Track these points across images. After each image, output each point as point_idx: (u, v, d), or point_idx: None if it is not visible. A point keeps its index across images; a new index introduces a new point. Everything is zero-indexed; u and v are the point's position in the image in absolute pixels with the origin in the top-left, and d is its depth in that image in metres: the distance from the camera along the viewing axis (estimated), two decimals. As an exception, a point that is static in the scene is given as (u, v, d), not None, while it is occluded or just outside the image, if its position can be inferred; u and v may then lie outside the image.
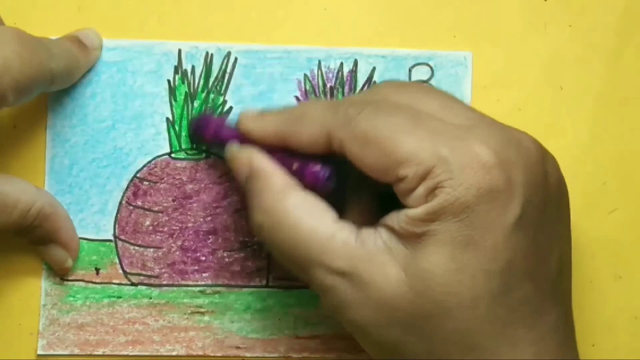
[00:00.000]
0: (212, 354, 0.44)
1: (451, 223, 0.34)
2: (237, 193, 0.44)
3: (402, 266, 0.34)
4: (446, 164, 0.34)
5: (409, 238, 0.35)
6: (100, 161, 0.44)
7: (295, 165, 0.38)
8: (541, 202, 0.35)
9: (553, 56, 0.45)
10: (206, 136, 0.42)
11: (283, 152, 0.38)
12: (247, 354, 0.44)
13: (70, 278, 0.44)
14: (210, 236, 0.44)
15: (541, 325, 0.35)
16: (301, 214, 0.37)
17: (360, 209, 0.39)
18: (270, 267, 0.44)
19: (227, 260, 0.44)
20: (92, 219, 0.44)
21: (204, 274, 0.44)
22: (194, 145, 0.44)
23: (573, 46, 0.45)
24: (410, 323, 0.34)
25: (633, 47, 0.46)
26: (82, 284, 0.44)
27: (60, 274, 0.43)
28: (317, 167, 0.38)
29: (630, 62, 0.46)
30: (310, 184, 0.38)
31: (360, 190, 0.39)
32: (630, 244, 0.45)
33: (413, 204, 0.35)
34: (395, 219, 0.35)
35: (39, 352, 0.43)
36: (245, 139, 0.40)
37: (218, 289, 0.44)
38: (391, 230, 0.35)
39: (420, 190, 0.34)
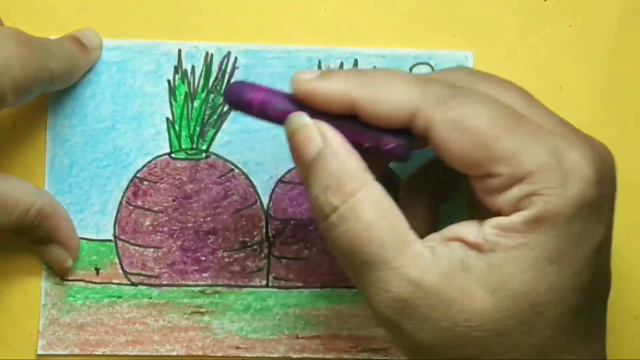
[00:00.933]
0: (212, 354, 0.44)
1: (548, 236, 0.32)
2: (237, 193, 0.44)
3: (485, 286, 0.32)
4: (549, 170, 0.32)
5: (495, 252, 0.33)
6: (100, 161, 0.44)
7: (367, 141, 0.35)
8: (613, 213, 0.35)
9: (553, 56, 0.45)
10: (253, 106, 0.36)
11: (348, 123, 0.35)
12: (247, 354, 0.44)
13: (70, 278, 0.44)
14: (210, 236, 0.44)
15: (599, 339, 0.35)
16: (381, 210, 0.33)
17: (418, 214, 0.38)
18: (270, 267, 0.44)
19: (227, 260, 0.44)
20: (92, 219, 0.44)
21: (204, 274, 0.44)
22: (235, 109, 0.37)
23: (573, 46, 0.45)
24: (489, 342, 0.33)
25: (633, 47, 0.46)
26: (82, 284, 0.44)
27: (60, 274, 0.43)
28: (394, 143, 0.35)
29: (630, 62, 0.46)
30: (385, 160, 0.35)
31: (419, 193, 0.38)
32: (630, 244, 0.45)
33: (501, 204, 0.33)
34: (474, 230, 0.33)
35: (39, 352, 0.43)
36: (301, 106, 0.35)
37: (218, 289, 0.44)
38: (467, 244, 0.33)
39: (515, 192, 0.33)
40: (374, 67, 0.44)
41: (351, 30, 0.45)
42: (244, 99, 0.36)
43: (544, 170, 0.32)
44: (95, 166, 0.44)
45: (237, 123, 0.44)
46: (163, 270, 0.44)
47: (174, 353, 0.44)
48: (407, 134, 0.35)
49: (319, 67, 0.44)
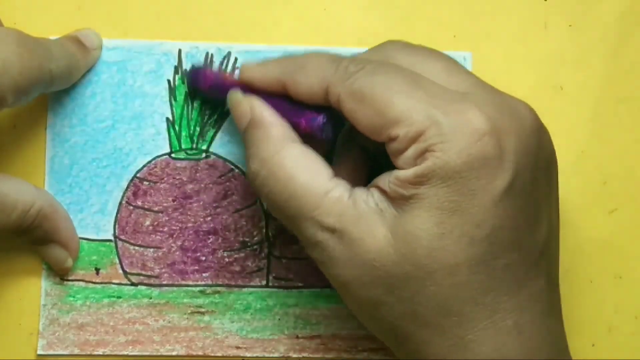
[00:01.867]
0: (212, 354, 0.44)
1: (439, 188, 0.34)
2: (237, 193, 0.44)
3: (390, 227, 0.35)
4: (438, 127, 0.34)
5: (398, 200, 0.35)
6: (100, 161, 0.44)
7: (293, 113, 0.38)
8: (532, 172, 0.36)
9: (553, 56, 0.45)
10: (204, 86, 0.43)
11: (284, 101, 0.39)
12: (247, 354, 0.44)
13: (70, 278, 0.44)
14: (210, 236, 0.44)
15: (524, 294, 0.35)
16: (297, 167, 0.37)
17: (349, 166, 0.40)
18: (270, 267, 0.44)
19: (227, 260, 0.44)
20: (92, 219, 0.44)
21: (204, 274, 0.44)
22: (192, 96, 0.44)
23: (573, 46, 0.45)
24: (391, 284, 0.35)
25: (633, 47, 0.46)
26: (82, 284, 0.44)
27: (60, 274, 0.43)
28: (313, 114, 0.38)
29: (630, 62, 0.46)
30: (307, 131, 0.38)
31: (351, 147, 0.40)
32: (630, 244, 0.45)
33: (403, 165, 0.35)
34: (386, 180, 0.36)
35: (39, 352, 0.43)
36: (247, 89, 0.40)
37: (218, 289, 0.44)
38: (382, 191, 0.36)
39: (411, 151, 0.35)
40: (374, 67, 0.44)
41: (351, 30, 0.45)
42: (200, 85, 0.43)
43: (433, 128, 0.34)
44: (95, 166, 0.44)
45: (237, 123, 0.44)
46: (163, 270, 0.44)
47: (174, 353, 0.44)
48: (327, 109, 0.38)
49: (319, 67, 0.44)
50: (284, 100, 0.39)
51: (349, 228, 0.36)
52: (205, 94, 0.43)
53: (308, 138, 0.38)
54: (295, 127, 0.38)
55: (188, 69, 0.43)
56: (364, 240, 0.35)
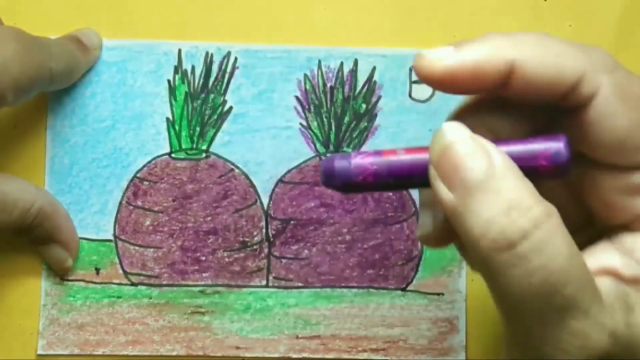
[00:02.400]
0: (212, 354, 0.44)
1: None
2: (237, 193, 0.44)
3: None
4: None
5: None
6: (100, 161, 0.44)
7: (519, 147, 0.28)
8: None
9: (553, 56, 0.45)
10: (365, 183, 0.30)
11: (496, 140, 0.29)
12: (247, 354, 0.44)
13: (70, 278, 0.44)
14: (210, 236, 0.44)
15: None
16: (573, 245, 0.26)
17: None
18: (270, 267, 0.44)
19: (227, 260, 0.44)
20: (92, 219, 0.44)
21: (204, 274, 0.44)
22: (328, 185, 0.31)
23: (573, 46, 0.45)
24: None
25: (633, 47, 0.46)
26: (82, 284, 0.44)
27: (60, 274, 0.43)
28: (549, 144, 0.27)
29: (630, 62, 0.45)
30: (548, 172, 0.28)
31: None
32: (630, 244, 0.45)
33: None
34: (623, 260, 0.27)
35: (39, 352, 0.43)
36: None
37: (218, 289, 0.44)
38: (621, 278, 0.27)
39: None
40: (374, 67, 0.44)
41: (351, 30, 0.45)
42: (354, 179, 0.30)
43: None
44: (95, 166, 0.44)
45: (237, 123, 0.44)
46: (163, 270, 0.44)
47: (174, 353, 0.44)
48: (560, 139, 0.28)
49: (319, 67, 0.44)
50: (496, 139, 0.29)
51: (624, 335, 0.26)
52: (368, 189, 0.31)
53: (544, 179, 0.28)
54: (531, 169, 0.28)
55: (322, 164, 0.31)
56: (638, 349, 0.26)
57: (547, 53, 0.28)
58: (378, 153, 0.29)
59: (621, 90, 0.27)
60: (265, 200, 0.44)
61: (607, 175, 0.28)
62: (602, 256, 0.27)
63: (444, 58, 0.29)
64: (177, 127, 0.44)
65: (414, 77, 0.44)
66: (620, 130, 0.27)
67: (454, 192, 0.27)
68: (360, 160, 0.29)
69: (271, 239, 0.44)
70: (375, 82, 0.44)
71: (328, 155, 0.30)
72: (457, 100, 0.44)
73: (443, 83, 0.29)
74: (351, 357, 0.44)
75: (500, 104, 0.29)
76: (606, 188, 0.28)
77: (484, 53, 0.28)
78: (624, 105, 0.27)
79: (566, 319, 0.26)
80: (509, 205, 0.26)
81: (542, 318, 0.26)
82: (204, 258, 0.44)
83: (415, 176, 0.29)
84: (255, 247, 0.44)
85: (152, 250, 0.44)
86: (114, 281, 0.44)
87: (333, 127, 0.44)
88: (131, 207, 0.44)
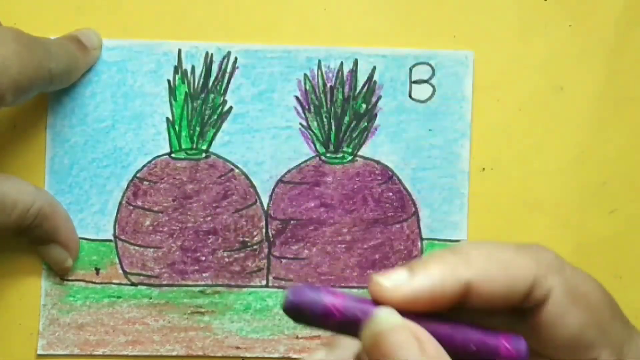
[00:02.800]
0: (212, 354, 0.44)
1: None
2: (237, 193, 0.44)
3: None
4: None
5: None
6: (100, 161, 0.44)
7: (480, 336, 0.28)
8: None
9: (553, 56, 0.45)
10: (330, 318, 0.28)
11: (449, 325, 0.29)
12: (247, 354, 0.44)
13: (70, 278, 0.44)
14: (210, 236, 0.44)
15: None
16: None
17: None
18: (270, 267, 0.44)
19: (227, 260, 0.44)
20: (92, 219, 0.44)
21: (204, 274, 0.44)
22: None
23: (573, 46, 0.45)
24: None
25: (633, 47, 0.46)
26: (82, 284, 0.44)
27: (60, 274, 0.43)
28: (511, 334, 0.28)
29: (630, 62, 0.46)
30: (509, 357, 0.28)
31: None
32: (630, 244, 0.45)
33: None
34: None
35: (39, 352, 0.43)
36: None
37: (218, 289, 0.44)
38: None
39: None
40: (374, 67, 0.44)
41: (351, 30, 0.45)
42: (321, 309, 0.28)
43: None
44: (95, 166, 0.44)
45: (237, 123, 0.44)
46: (163, 270, 0.44)
47: (174, 353, 0.44)
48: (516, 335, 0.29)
49: (319, 67, 0.44)
50: (454, 325, 0.29)
51: None
52: (329, 327, 0.29)
53: None
54: (490, 353, 0.28)
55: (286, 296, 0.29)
56: None
57: (498, 267, 0.28)
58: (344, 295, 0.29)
59: (571, 290, 0.28)
60: (265, 200, 0.44)
61: None
62: None
63: (399, 286, 0.28)
64: (177, 127, 0.44)
65: (414, 77, 0.45)
66: (572, 329, 0.28)
67: None
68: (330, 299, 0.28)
69: (271, 239, 0.44)
70: (375, 82, 0.44)
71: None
72: (457, 101, 0.45)
73: (400, 308, 0.28)
74: (351, 357, 0.44)
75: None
76: None
77: (439, 277, 0.28)
78: (574, 306, 0.28)
79: None
80: None
81: None
82: (204, 258, 0.44)
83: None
84: (255, 247, 0.44)
85: (152, 250, 0.44)
86: (114, 281, 0.44)
87: (333, 127, 0.44)
88: (131, 207, 0.44)
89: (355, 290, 0.44)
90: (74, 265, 0.43)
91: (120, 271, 0.44)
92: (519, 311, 0.29)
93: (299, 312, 0.28)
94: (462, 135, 0.45)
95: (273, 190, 0.44)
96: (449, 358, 0.27)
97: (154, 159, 0.44)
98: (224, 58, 0.44)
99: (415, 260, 0.29)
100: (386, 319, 0.27)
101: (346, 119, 0.44)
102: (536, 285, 0.28)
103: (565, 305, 0.28)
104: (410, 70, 0.45)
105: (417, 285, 0.28)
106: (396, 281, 0.28)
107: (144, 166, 0.44)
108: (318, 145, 0.44)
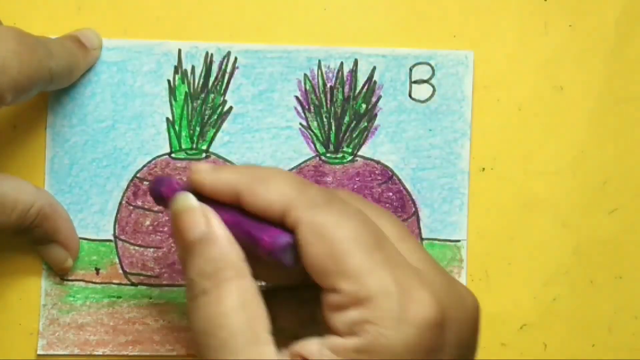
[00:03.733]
0: (212, 354, 0.44)
1: None
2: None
3: None
4: (390, 301, 0.32)
5: None
6: (100, 161, 0.44)
7: (252, 227, 0.34)
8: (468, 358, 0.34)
9: (553, 56, 0.45)
10: (164, 194, 0.37)
11: (238, 213, 0.35)
12: (247, 354, 0.44)
13: (70, 278, 0.44)
14: (210, 236, 0.44)
15: None
16: (245, 304, 0.33)
17: (285, 314, 0.37)
18: (270, 267, 0.44)
19: (227, 260, 0.44)
20: (92, 219, 0.44)
21: (204, 274, 0.44)
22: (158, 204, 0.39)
23: (573, 46, 0.45)
24: None
25: (633, 47, 0.46)
26: (82, 284, 0.44)
27: (60, 274, 0.43)
28: (277, 232, 0.34)
29: (630, 62, 0.46)
30: (268, 250, 0.34)
31: (285, 292, 0.37)
32: (630, 244, 0.45)
33: (337, 324, 0.32)
34: (315, 349, 0.32)
35: (39, 352, 0.43)
36: (196, 194, 0.36)
37: (218, 289, 0.44)
38: None
39: (352, 314, 0.32)
40: (374, 67, 0.44)
41: (351, 30, 0.45)
42: (159, 190, 0.38)
43: (384, 300, 0.31)
44: (95, 166, 0.44)
45: (237, 123, 0.44)
46: (163, 270, 0.44)
47: (174, 353, 0.44)
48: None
49: (319, 67, 0.44)
50: (238, 212, 0.35)
51: None
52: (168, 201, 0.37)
53: (265, 261, 0.34)
54: (254, 243, 0.34)
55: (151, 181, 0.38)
56: None
57: (262, 187, 0.34)
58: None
59: (315, 225, 0.33)
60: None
61: (322, 292, 0.33)
62: (306, 345, 0.32)
63: (198, 172, 0.36)
64: (177, 127, 0.44)
65: (414, 77, 0.45)
66: (312, 259, 0.33)
67: (178, 247, 0.35)
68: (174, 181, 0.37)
69: (271, 239, 0.44)
70: (375, 82, 0.44)
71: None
72: (457, 101, 0.45)
73: (196, 189, 0.36)
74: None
75: None
76: (323, 301, 0.33)
77: (220, 178, 0.35)
78: (315, 238, 0.32)
79: (218, 355, 0.32)
80: (203, 270, 0.34)
81: (206, 352, 0.33)
82: (204, 258, 0.44)
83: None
84: (255, 247, 0.44)
85: (152, 250, 0.44)
86: (114, 281, 0.44)
87: (333, 127, 0.44)
88: (131, 207, 0.44)
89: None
90: (74, 265, 0.43)
91: (120, 271, 0.44)
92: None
93: (153, 194, 0.38)
94: (462, 135, 0.45)
95: (273, 190, 0.44)
96: (229, 234, 0.34)
97: (154, 159, 0.44)
98: (224, 58, 0.44)
99: (245, 166, 0.37)
100: (182, 200, 0.35)
101: (346, 119, 0.44)
102: (288, 214, 0.33)
103: (307, 237, 0.33)
104: (410, 70, 0.45)
105: (208, 177, 0.35)
106: (203, 168, 0.36)
107: (144, 166, 0.44)
108: (318, 145, 0.44)
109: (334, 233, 0.33)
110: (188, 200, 0.35)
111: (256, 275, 0.35)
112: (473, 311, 0.35)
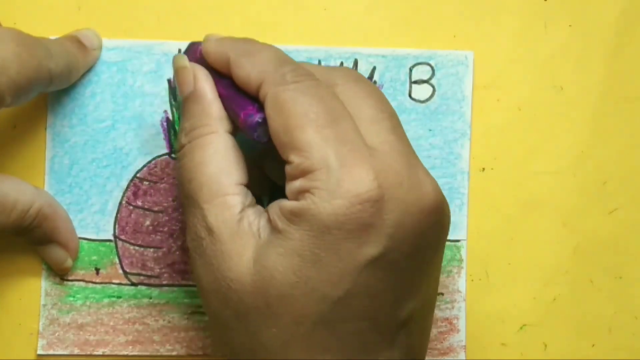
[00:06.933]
0: (212, 354, 0.44)
1: (305, 234, 0.33)
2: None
3: (256, 257, 0.34)
4: (328, 173, 0.33)
5: (274, 229, 0.34)
6: (100, 161, 0.44)
7: (236, 102, 0.37)
8: (413, 248, 0.34)
9: (553, 56, 0.45)
10: (190, 59, 0.40)
11: (233, 87, 0.37)
12: (247, 354, 0.44)
13: (70, 278, 0.44)
14: (210, 236, 0.44)
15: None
16: (214, 157, 0.36)
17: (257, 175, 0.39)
18: (270, 267, 0.44)
19: (227, 260, 0.44)
20: (92, 219, 0.44)
21: (204, 274, 0.44)
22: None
23: (573, 46, 0.45)
24: (240, 311, 0.34)
25: (633, 47, 0.46)
26: (82, 284, 0.44)
27: (60, 274, 0.43)
28: (252, 111, 0.36)
29: (630, 62, 0.46)
30: (243, 125, 0.36)
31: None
32: (630, 244, 0.45)
33: (288, 193, 0.34)
34: (274, 207, 0.35)
35: (39, 352, 0.43)
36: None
37: (218, 289, 0.44)
38: (269, 218, 0.35)
39: (297, 183, 0.34)
40: (374, 67, 0.44)
41: (351, 30, 0.45)
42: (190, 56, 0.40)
43: (323, 172, 0.33)
44: (95, 166, 0.44)
45: (237, 123, 0.44)
46: (163, 270, 0.44)
47: (174, 353, 0.44)
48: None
49: (319, 67, 0.44)
50: (233, 86, 0.37)
51: (224, 238, 0.35)
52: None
53: (244, 129, 0.37)
54: (234, 117, 0.37)
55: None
56: (231, 258, 0.34)
57: (247, 59, 0.37)
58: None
59: (276, 99, 0.35)
60: (265, 200, 0.44)
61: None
62: (272, 205, 0.35)
63: (206, 40, 0.39)
64: (177, 127, 0.44)
65: (414, 77, 0.45)
66: (271, 130, 0.35)
67: (181, 96, 0.39)
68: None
69: (271, 239, 0.44)
70: (375, 82, 0.44)
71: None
72: (457, 101, 0.45)
73: (204, 56, 0.39)
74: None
75: None
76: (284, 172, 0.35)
77: (219, 46, 0.38)
78: (275, 112, 0.35)
79: (188, 205, 0.36)
80: (184, 126, 0.37)
81: (183, 201, 0.37)
82: (204, 258, 0.44)
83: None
84: (255, 247, 0.44)
85: (152, 250, 0.44)
86: (114, 281, 0.44)
87: (333, 127, 0.44)
88: (131, 207, 0.44)
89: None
90: (74, 265, 0.43)
91: (120, 271, 0.44)
92: None
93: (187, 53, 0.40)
94: (462, 135, 0.45)
95: (273, 190, 0.44)
96: (214, 93, 0.37)
97: (154, 159, 0.44)
98: (224, 58, 0.44)
99: (247, 39, 0.39)
100: (176, 60, 0.39)
101: (346, 119, 0.44)
102: (261, 87, 0.36)
103: (271, 110, 0.35)
104: (410, 70, 0.45)
105: (211, 44, 0.38)
106: (210, 39, 0.38)
107: (144, 166, 0.44)
108: (318, 145, 0.44)
109: (290, 109, 0.34)
110: (181, 60, 0.39)
111: (268, 173, 0.39)
112: (429, 198, 0.34)
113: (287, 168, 0.34)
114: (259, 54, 0.37)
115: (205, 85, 0.38)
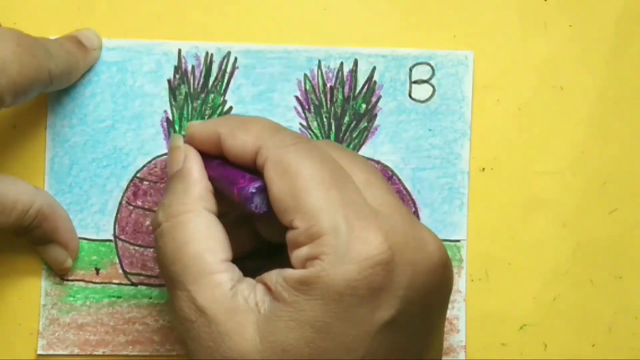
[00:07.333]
0: (212, 354, 0.44)
1: (317, 303, 0.32)
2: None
3: (261, 332, 0.33)
4: (337, 237, 0.32)
5: (278, 301, 0.33)
6: (100, 161, 0.44)
7: (230, 181, 0.36)
8: (423, 308, 0.34)
9: (553, 56, 0.45)
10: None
11: (226, 166, 0.37)
12: (247, 354, 0.44)
13: (70, 278, 0.44)
14: (210, 236, 0.44)
15: None
16: (197, 235, 0.35)
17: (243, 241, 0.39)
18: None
19: (227, 260, 0.44)
20: (92, 219, 0.44)
21: (204, 274, 0.44)
22: None
23: (573, 46, 0.45)
24: None
25: (633, 47, 0.46)
26: (82, 284, 0.44)
27: (60, 274, 0.43)
28: (245, 183, 0.36)
29: (630, 62, 0.46)
30: (239, 200, 0.36)
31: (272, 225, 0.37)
32: (630, 244, 0.45)
33: (294, 261, 0.33)
34: (274, 277, 0.34)
35: (39, 352, 0.43)
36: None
37: (218, 289, 0.44)
38: (268, 289, 0.34)
39: (305, 250, 0.33)
40: (374, 67, 0.44)
41: (351, 30, 0.45)
42: None
43: (332, 237, 0.32)
44: (95, 166, 0.44)
45: (237, 123, 0.44)
46: (163, 270, 0.44)
47: (174, 353, 0.44)
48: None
49: (319, 67, 0.44)
50: (226, 165, 0.37)
51: (219, 317, 0.34)
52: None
53: (242, 204, 0.36)
54: (230, 195, 0.36)
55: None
56: (230, 337, 0.33)
57: (240, 131, 0.36)
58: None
59: (279, 163, 0.34)
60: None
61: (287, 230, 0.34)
62: (269, 274, 0.34)
63: (190, 126, 0.39)
64: (177, 127, 0.44)
65: (414, 77, 0.45)
66: (275, 195, 0.34)
67: (169, 174, 0.39)
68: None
69: (271, 239, 0.44)
70: (375, 82, 0.44)
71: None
72: (457, 101, 0.45)
73: (191, 143, 0.39)
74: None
75: None
76: (286, 238, 0.34)
77: (205, 127, 0.38)
78: (277, 176, 0.34)
79: (172, 288, 0.35)
80: (164, 202, 0.37)
81: (167, 285, 0.36)
82: (204, 258, 0.44)
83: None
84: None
85: (152, 250, 0.44)
86: (114, 281, 0.44)
87: (333, 127, 0.44)
88: (131, 207, 0.44)
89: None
90: (74, 265, 0.43)
91: (120, 271, 0.44)
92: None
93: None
94: (462, 135, 0.45)
95: (273, 190, 0.44)
96: (202, 174, 0.37)
97: (154, 159, 0.44)
98: (224, 58, 0.44)
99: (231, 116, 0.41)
100: (172, 140, 0.39)
101: (346, 119, 0.44)
102: (259, 153, 0.35)
103: (271, 174, 0.34)
104: (410, 70, 0.45)
105: (196, 128, 0.38)
106: (194, 125, 0.39)
107: (144, 166, 0.44)
108: (318, 145, 0.44)
109: (295, 171, 0.34)
110: (176, 140, 0.39)
111: (261, 232, 0.38)
112: (434, 256, 0.34)
113: (291, 234, 0.33)
114: (253, 123, 0.37)
115: (193, 165, 0.37)
